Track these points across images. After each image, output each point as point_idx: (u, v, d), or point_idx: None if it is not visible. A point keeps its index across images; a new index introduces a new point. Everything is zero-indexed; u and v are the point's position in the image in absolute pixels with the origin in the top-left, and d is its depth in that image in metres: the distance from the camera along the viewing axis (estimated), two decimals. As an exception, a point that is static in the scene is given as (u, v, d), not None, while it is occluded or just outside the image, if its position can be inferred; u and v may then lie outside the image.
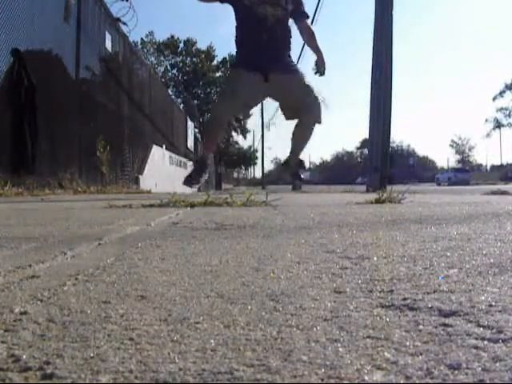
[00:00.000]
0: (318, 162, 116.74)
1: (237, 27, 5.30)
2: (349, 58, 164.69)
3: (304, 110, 5.10)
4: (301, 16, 5.27)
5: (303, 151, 5.48)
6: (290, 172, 5.55)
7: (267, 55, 5.05)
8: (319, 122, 5.24)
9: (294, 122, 5.21)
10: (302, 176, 5.50)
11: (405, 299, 0.77)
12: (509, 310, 0.69)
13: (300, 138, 5.42)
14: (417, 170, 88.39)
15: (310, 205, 3.77)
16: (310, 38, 5.37)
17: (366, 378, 0.47)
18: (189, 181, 5.12)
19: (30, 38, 6.61)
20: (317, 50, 5.34)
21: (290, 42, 5.29)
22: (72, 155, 8.08)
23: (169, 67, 55.32)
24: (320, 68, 5.27)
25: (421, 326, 0.62)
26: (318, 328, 0.62)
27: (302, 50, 13.73)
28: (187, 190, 5.57)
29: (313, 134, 5.38)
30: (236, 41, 5.40)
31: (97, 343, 0.57)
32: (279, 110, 5.40)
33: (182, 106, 26.52)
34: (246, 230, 1.88)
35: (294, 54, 5.36)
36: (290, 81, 5.05)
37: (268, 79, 5.03)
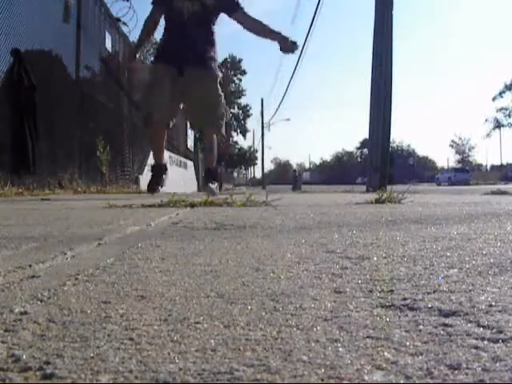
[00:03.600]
0: (318, 162, 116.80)
1: (165, 25, 5.33)
2: (349, 57, 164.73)
3: (206, 121, 5.18)
4: (231, 9, 5.17)
5: (213, 161, 5.51)
6: (204, 182, 5.64)
7: (182, 50, 5.03)
8: (219, 135, 5.35)
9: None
10: (212, 186, 5.39)
11: (405, 299, 0.77)
12: (509, 310, 0.69)
13: (207, 148, 5.54)
14: (417, 169, 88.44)
15: (310, 205, 3.77)
16: (251, 27, 5.25)
17: (366, 377, 0.47)
18: (151, 189, 5.20)
19: (30, 38, 6.60)
20: (270, 34, 5.20)
21: (209, 40, 5.21)
22: (72, 155, 8.07)
23: (168, 67, 55.13)
24: (287, 49, 5.14)
25: (421, 326, 0.62)
26: (318, 328, 0.62)
27: (305, 44, 13.74)
28: (187, 190, 5.61)
29: (216, 145, 5.42)
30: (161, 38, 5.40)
31: (97, 343, 0.57)
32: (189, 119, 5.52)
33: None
34: (246, 230, 1.88)
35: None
36: (202, 77, 5.07)
37: (183, 73, 5.03)
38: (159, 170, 5.50)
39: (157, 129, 5.35)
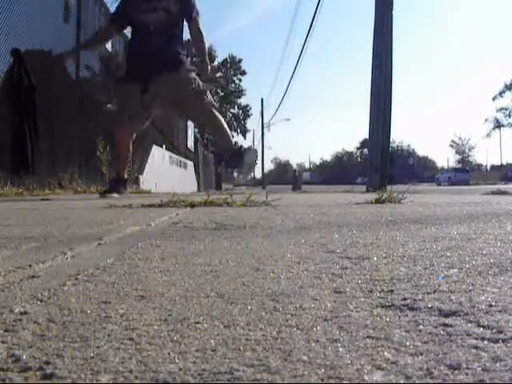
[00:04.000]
0: (318, 162, 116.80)
1: (129, 41, 5.45)
2: (349, 57, 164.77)
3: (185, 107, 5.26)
4: (189, 19, 5.31)
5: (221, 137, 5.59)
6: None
7: (147, 64, 5.10)
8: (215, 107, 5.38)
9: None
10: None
11: (405, 299, 0.77)
12: (509, 309, 0.69)
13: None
14: (417, 169, 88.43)
15: (310, 205, 3.77)
16: (194, 42, 5.47)
17: (366, 377, 0.47)
18: (112, 191, 5.19)
19: (30, 38, 6.60)
20: (201, 55, 5.41)
21: (178, 44, 5.28)
22: (72, 155, 8.07)
23: (169, 67, 55.16)
24: (203, 73, 5.38)
25: (421, 326, 0.62)
26: (318, 328, 0.62)
27: (305, 44, 13.76)
28: (187, 190, 5.59)
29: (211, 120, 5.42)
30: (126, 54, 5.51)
31: (97, 343, 0.57)
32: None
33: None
34: (246, 230, 1.88)
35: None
36: (167, 78, 5.09)
37: (147, 89, 5.09)
38: (118, 184, 5.44)
39: (125, 138, 5.38)
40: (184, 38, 5.47)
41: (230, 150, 5.62)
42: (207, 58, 5.40)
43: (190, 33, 5.43)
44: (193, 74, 5.29)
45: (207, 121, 5.49)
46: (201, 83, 5.31)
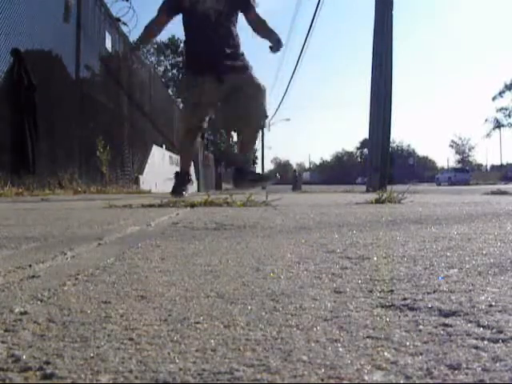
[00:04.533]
0: (318, 162, 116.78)
1: (185, 31, 5.33)
2: (349, 57, 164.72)
3: (246, 119, 5.07)
4: (246, 7, 5.22)
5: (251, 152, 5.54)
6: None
7: (216, 54, 5.01)
8: (262, 127, 5.30)
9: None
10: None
11: (405, 299, 0.77)
12: (509, 309, 0.69)
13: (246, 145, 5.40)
14: (417, 169, 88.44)
15: (310, 205, 3.77)
16: (259, 29, 5.35)
17: (366, 377, 0.47)
18: (176, 193, 5.17)
19: (30, 38, 6.60)
20: (269, 35, 5.30)
21: (237, 36, 5.22)
22: (72, 155, 8.07)
23: (169, 67, 55.30)
24: (275, 47, 5.27)
25: (421, 326, 0.62)
26: (318, 328, 0.62)
27: (305, 44, 13.77)
28: (187, 190, 5.59)
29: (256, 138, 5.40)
30: (185, 44, 5.39)
31: (97, 343, 0.57)
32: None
33: (181, 105, 26.51)
34: (246, 229, 1.88)
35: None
36: (239, 79, 5.01)
37: (221, 79, 5.01)
38: (184, 178, 5.49)
39: (192, 138, 5.39)
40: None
41: (247, 169, 5.54)
42: (278, 36, 5.25)
43: (251, 21, 5.28)
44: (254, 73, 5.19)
45: (257, 126, 5.29)
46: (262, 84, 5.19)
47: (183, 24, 5.25)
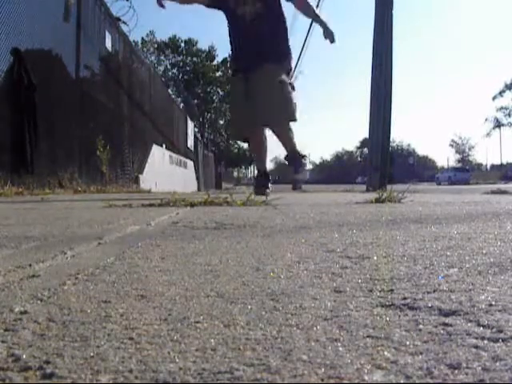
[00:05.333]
0: (318, 161, 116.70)
1: (228, 32, 5.37)
2: (349, 57, 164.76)
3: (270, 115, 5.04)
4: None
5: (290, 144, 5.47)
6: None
7: (247, 56, 5.07)
8: (293, 120, 5.26)
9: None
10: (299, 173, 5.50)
11: (405, 298, 0.77)
12: (509, 309, 0.69)
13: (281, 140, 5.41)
14: (417, 169, 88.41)
15: (310, 204, 3.76)
16: (307, 14, 5.46)
17: (366, 377, 0.47)
18: (258, 193, 5.08)
19: (30, 38, 6.60)
20: (319, 22, 5.38)
21: (277, 34, 5.23)
22: (72, 155, 8.07)
23: (169, 66, 55.33)
24: (329, 37, 5.31)
25: (421, 326, 0.62)
26: (318, 327, 0.62)
27: (308, 33, 13.79)
28: (187, 189, 5.58)
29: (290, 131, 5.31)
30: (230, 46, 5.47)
31: (97, 343, 0.57)
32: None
33: (182, 105, 26.58)
34: (246, 229, 1.88)
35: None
36: (264, 75, 5.00)
37: (248, 78, 5.04)
38: (263, 177, 5.51)
39: (251, 139, 5.43)
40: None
41: (296, 154, 5.51)
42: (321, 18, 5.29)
43: (299, 9, 5.33)
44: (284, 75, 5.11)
45: (277, 120, 5.19)
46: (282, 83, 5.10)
47: (227, 24, 5.31)
